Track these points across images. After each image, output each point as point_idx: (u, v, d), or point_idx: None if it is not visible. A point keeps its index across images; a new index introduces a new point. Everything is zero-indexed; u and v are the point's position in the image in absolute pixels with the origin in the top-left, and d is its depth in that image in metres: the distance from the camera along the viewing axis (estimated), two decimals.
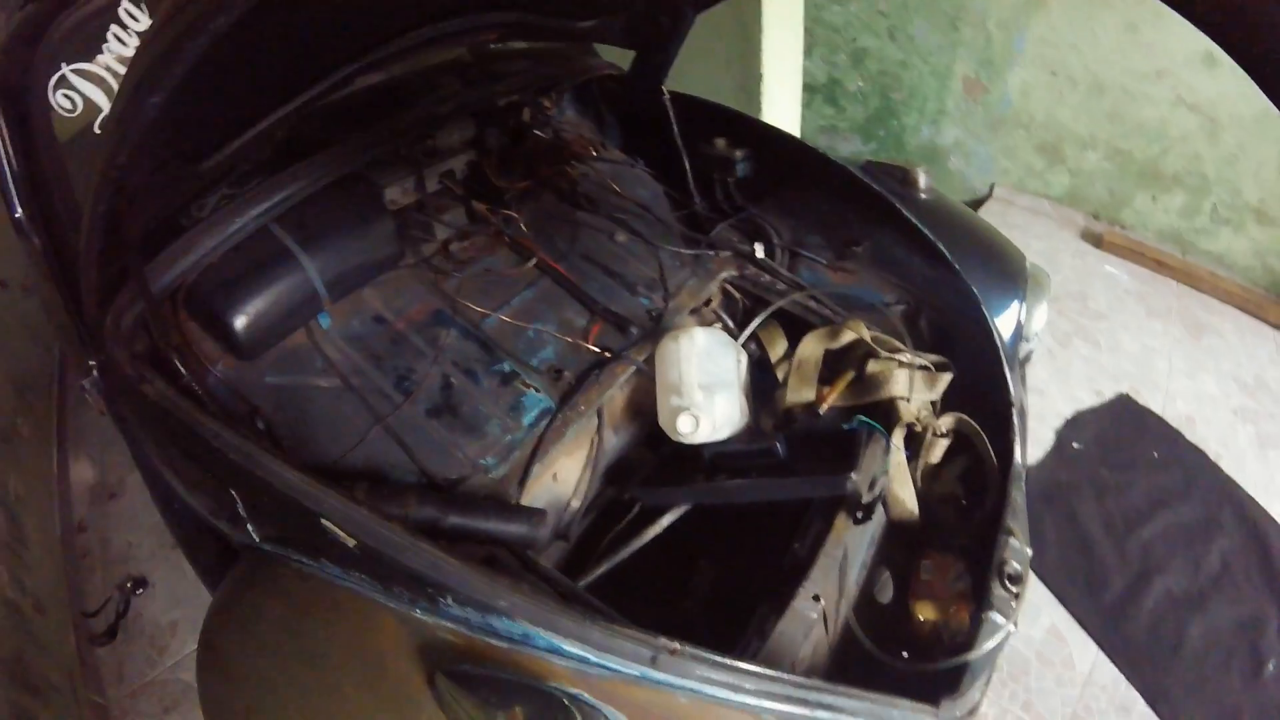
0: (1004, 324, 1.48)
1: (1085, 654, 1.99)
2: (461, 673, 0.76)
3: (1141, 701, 1.91)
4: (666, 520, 1.22)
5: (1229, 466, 2.48)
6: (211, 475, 1.07)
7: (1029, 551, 1.26)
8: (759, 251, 1.56)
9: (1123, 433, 2.60)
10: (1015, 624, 1.16)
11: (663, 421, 1.29)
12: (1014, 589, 1.17)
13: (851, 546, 1.23)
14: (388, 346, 1.32)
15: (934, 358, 1.37)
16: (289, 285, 1.25)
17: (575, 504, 1.29)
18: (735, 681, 0.80)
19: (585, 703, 0.74)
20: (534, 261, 1.48)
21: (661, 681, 0.78)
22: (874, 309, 1.48)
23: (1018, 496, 1.28)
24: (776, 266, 1.56)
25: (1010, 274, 1.53)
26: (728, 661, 0.80)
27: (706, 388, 1.25)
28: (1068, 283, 3.07)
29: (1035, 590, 2.11)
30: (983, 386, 1.36)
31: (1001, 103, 3.22)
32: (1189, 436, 2.57)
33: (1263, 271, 3.06)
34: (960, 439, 1.38)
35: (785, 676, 0.83)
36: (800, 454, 1.22)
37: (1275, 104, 0.60)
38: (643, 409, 1.37)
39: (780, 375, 1.41)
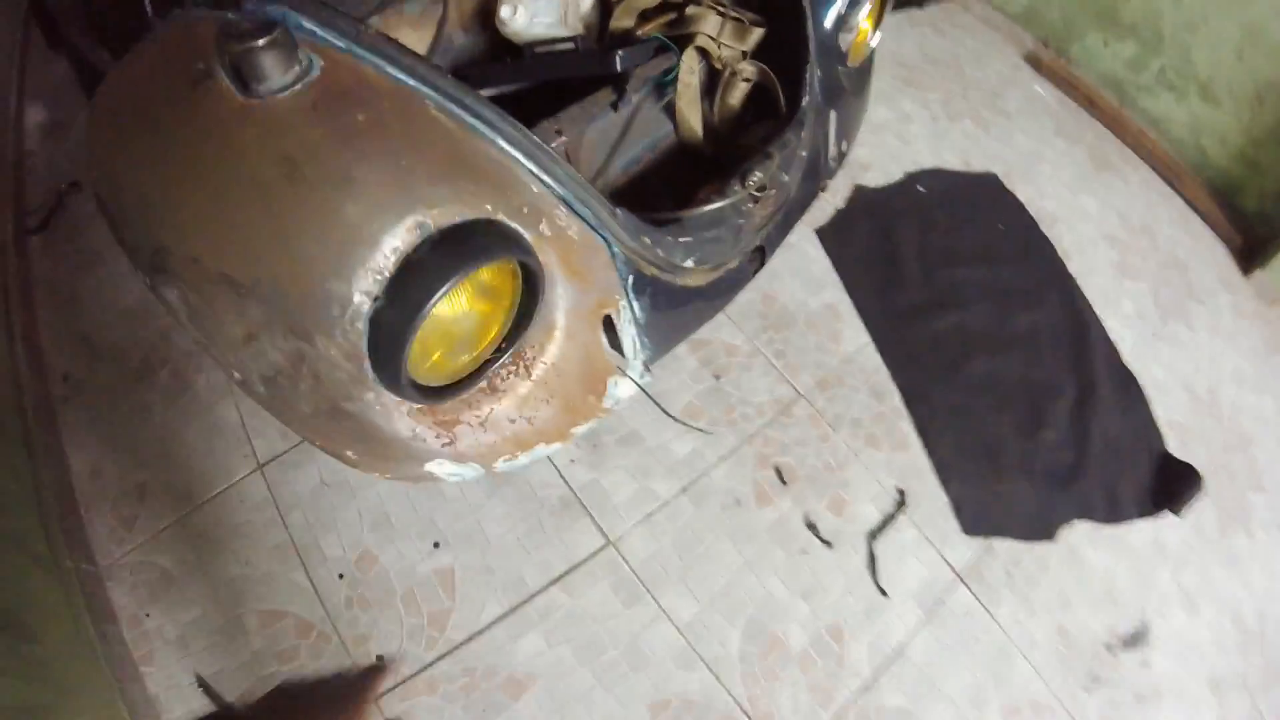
0: (830, 10, 1.64)
1: (855, 338, 2.13)
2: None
3: (898, 396, 2.05)
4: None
5: (1076, 269, 2.50)
6: None
7: (784, 176, 1.47)
8: None
9: (975, 198, 2.57)
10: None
11: (497, 20, 1.48)
12: (754, 193, 1.40)
13: (629, 129, 1.43)
14: None
15: (751, 15, 1.55)
16: None
17: None
18: (412, 66, 1.01)
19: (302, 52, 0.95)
20: None
21: (359, 54, 1.00)
22: None
23: (793, 137, 1.48)
24: None
25: None
26: (408, 50, 1.02)
27: None
28: (986, 80, 3.07)
29: (824, 269, 2.23)
30: (791, 52, 1.55)
31: None
32: (1045, 231, 2.57)
33: (1193, 148, 3.06)
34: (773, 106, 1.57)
35: (447, 79, 1.04)
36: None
37: None
38: (490, 20, 1.55)
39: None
